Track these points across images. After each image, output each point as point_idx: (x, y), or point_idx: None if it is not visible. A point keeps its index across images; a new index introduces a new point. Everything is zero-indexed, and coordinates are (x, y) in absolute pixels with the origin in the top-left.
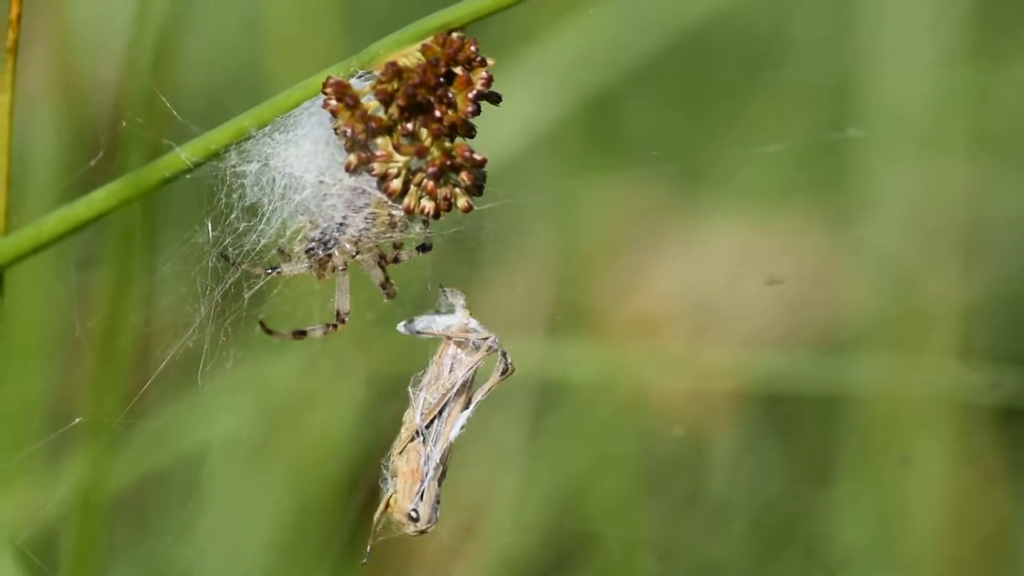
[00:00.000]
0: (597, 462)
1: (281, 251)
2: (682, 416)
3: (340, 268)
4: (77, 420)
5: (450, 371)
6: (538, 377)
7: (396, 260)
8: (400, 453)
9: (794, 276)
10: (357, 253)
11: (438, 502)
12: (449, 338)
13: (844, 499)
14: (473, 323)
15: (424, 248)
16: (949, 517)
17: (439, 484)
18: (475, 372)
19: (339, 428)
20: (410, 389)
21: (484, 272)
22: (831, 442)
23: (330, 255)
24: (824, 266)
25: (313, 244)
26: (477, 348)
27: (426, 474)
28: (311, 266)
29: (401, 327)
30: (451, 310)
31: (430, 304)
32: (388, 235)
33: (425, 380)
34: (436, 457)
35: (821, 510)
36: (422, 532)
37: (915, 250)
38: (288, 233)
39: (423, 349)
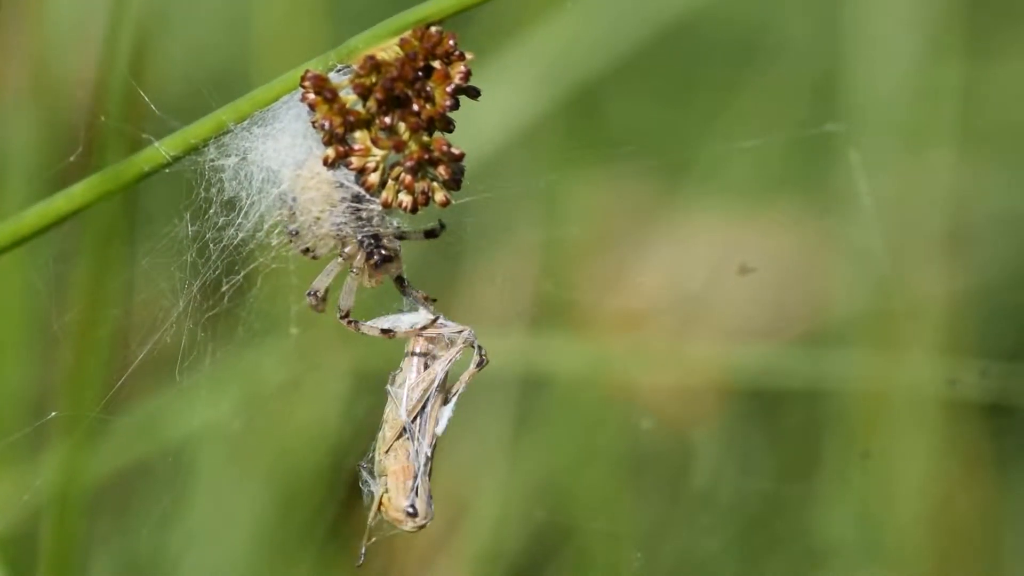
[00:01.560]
0: (580, 456)
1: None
2: (665, 410)
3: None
4: (53, 414)
5: (426, 367)
6: (520, 372)
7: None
8: (387, 452)
9: (778, 271)
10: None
11: (431, 496)
12: (419, 335)
13: (827, 492)
14: (442, 318)
15: (431, 233)
16: (932, 509)
17: (429, 478)
18: (452, 365)
19: (320, 419)
20: (388, 388)
21: (464, 267)
22: (814, 435)
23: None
24: (807, 261)
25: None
26: (452, 342)
27: (417, 469)
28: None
29: (367, 329)
30: (413, 308)
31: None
32: (367, 228)
33: (402, 378)
34: (425, 452)
35: (804, 503)
36: (421, 527)
37: (898, 245)
38: (266, 227)
39: (401, 342)
